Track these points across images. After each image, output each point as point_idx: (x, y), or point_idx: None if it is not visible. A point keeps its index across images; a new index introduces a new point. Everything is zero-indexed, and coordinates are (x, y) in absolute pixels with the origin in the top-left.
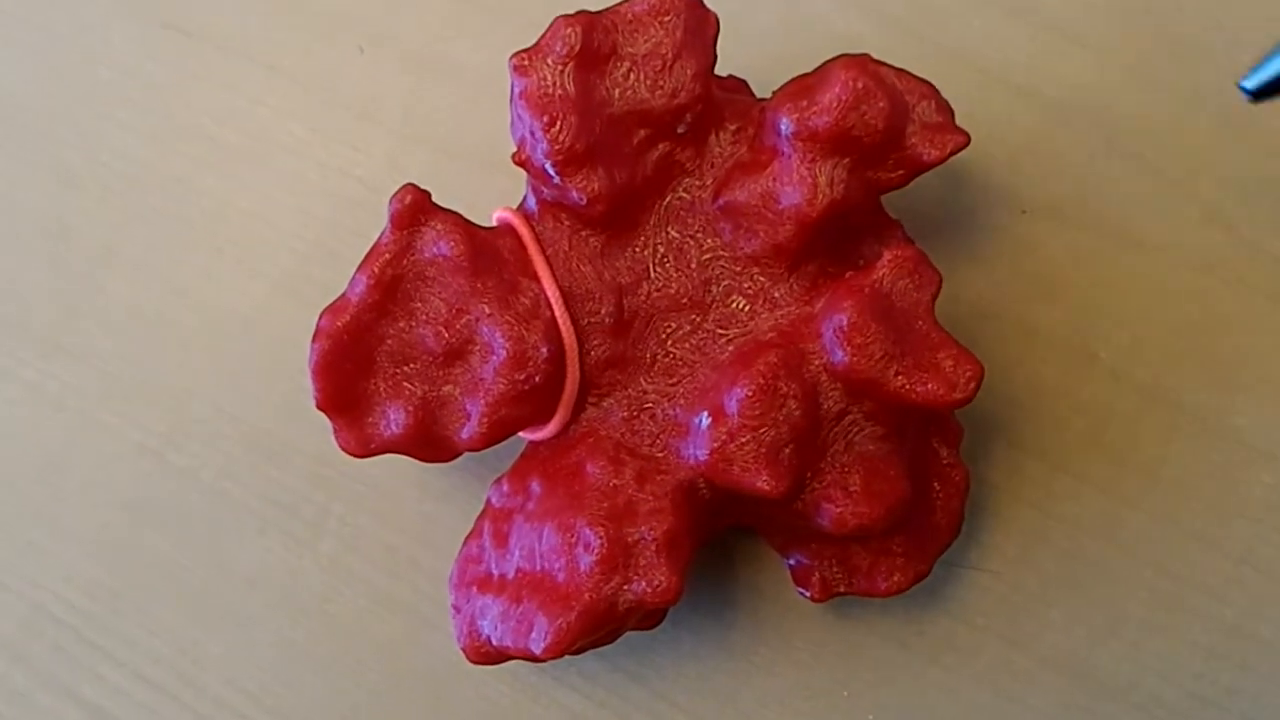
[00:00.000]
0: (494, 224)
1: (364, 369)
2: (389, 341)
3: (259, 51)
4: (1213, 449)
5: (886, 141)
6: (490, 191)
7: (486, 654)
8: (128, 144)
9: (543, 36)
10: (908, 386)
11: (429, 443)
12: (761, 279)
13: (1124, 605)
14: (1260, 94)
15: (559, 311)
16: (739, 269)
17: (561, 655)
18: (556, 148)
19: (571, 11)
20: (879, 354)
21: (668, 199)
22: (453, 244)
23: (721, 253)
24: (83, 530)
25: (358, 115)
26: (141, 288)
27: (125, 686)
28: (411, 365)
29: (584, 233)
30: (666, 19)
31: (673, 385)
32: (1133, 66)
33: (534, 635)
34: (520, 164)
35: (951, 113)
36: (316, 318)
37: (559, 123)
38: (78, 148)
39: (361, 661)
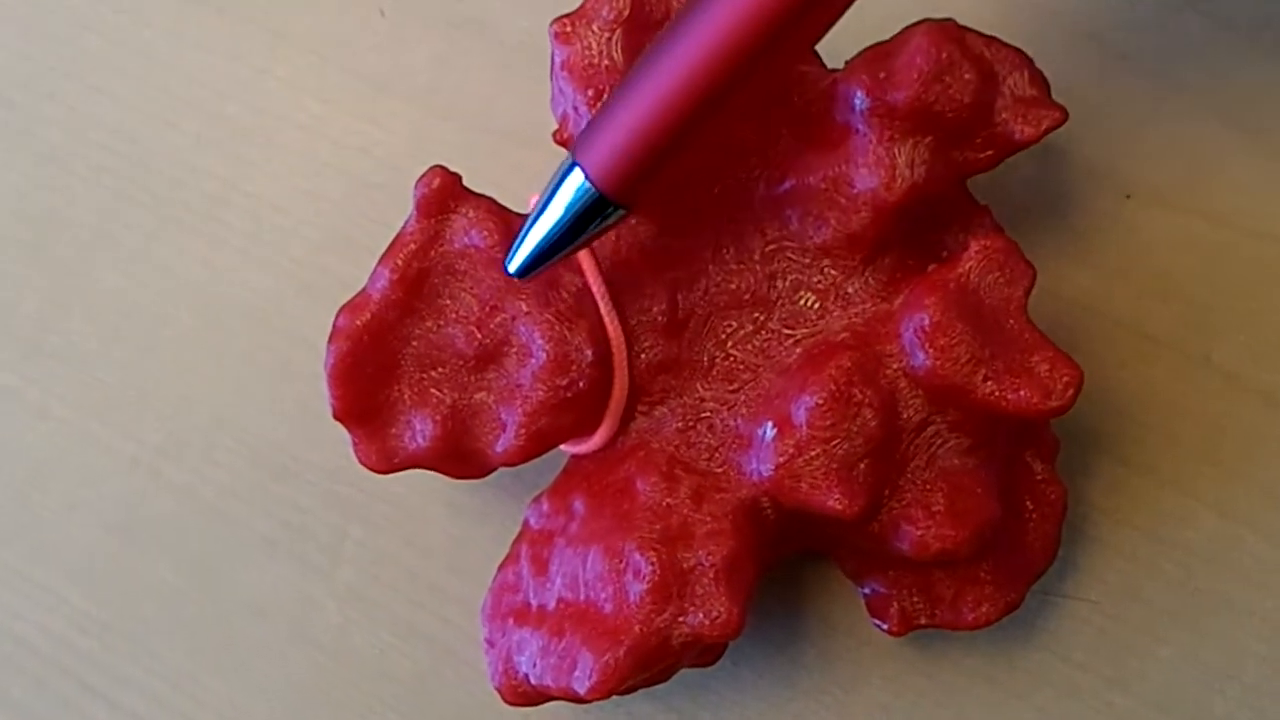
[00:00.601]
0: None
1: (386, 374)
2: (415, 343)
3: (266, 15)
4: None
5: (974, 118)
6: (528, 174)
7: (524, 694)
8: (119, 120)
9: None
10: (997, 393)
11: (459, 456)
12: (833, 272)
13: (1242, 641)
14: (525, 272)
15: (605, 309)
16: (808, 261)
17: (609, 695)
18: None
19: None
20: (965, 357)
21: (728, 182)
22: (486, 233)
23: (788, 243)
24: (68, 555)
25: (378, 87)
26: (134, 281)
27: None
28: (440, 370)
29: (633, 220)
30: None
31: (733, 392)
32: (1254, 31)
33: (578, 673)
34: (562, 144)
35: (1047, 85)
36: (333, 316)
37: (606, 97)
38: (62, 125)
39: (383, 702)
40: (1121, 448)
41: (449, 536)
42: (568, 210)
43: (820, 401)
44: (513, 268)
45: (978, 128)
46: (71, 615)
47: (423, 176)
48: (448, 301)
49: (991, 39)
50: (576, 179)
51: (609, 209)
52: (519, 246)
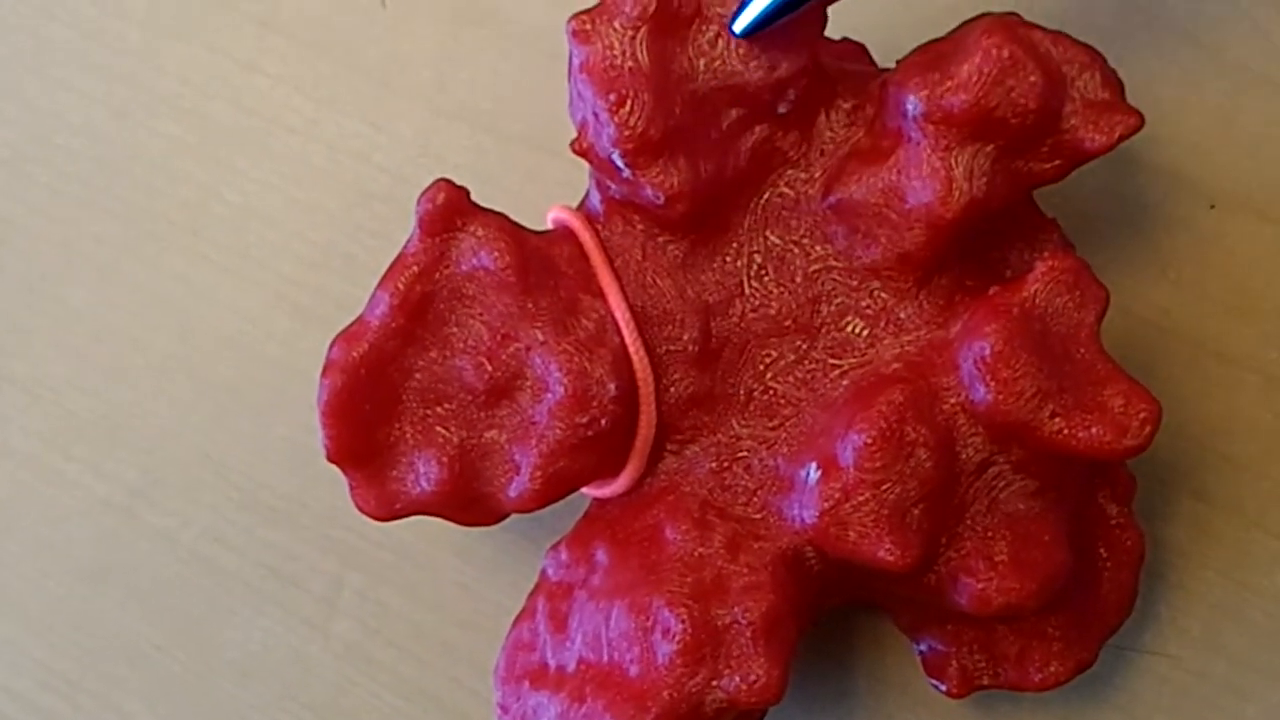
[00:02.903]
0: (549, 227)
1: (387, 410)
2: (418, 376)
3: (254, 3)
4: None
5: (1039, 125)
6: (544, 184)
7: None
8: (89, 121)
9: None
10: (1066, 431)
11: (468, 502)
12: (883, 296)
13: None
14: (750, 31)
15: (630, 337)
16: (855, 283)
17: None
18: (626, 133)
19: None
20: (1030, 391)
21: (766, 196)
22: (497, 254)
23: (833, 263)
24: (31, 606)
25: (379, 85)
26: (104, 301)
27: None
28: (446, 405)
29: (661, 238)
30: None
31: (773, 429)
32: None
33: None
34: (581, 153)
35: (1121, 86)
36: (329, 341)
37: (629, 102)
38: (25, 125)
39: None
40: (1204, 484)
41: (458, 587)
42: None
43: (869, 440)
44: (738, 26)
45: (1044, 135)
46: (36, 672)
47: (426, 191)
48: (455, 330)
49: (1059, 35)
50: None
51: None
52: (748, 2)
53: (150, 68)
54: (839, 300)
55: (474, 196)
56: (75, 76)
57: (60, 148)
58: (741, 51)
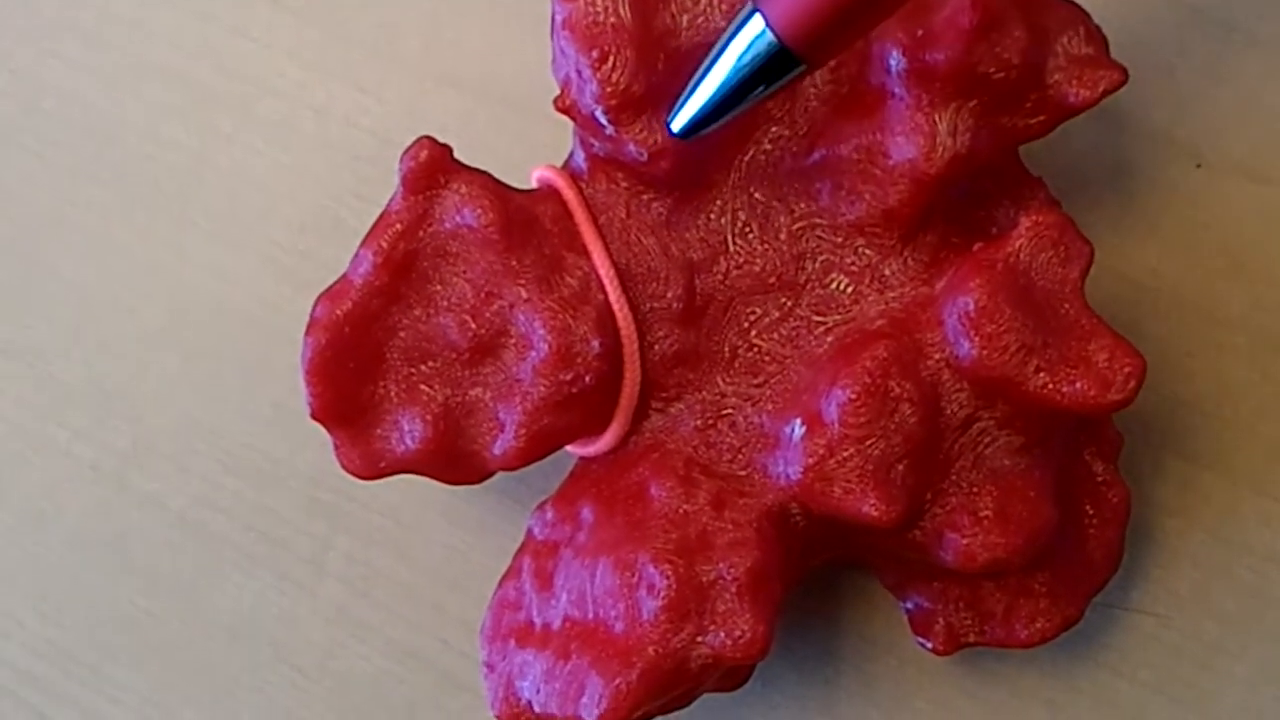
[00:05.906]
0: (533, 186)
1: (371, 369)
2: (402, 334)
3: None
4: None
5: (1023, 80)
6: (532, 144)
7: None
8: (76, 86)
9: None
10: (1051, 386)
11: (453, 460)
12: (868, 253)
13: None
14: (688, 133)
15: (614, 295)
16: (840, 240)
17: None
18: (609, 90)
19: None
20: (1014, 345)
21: (750, 153)
22: (480, 211)
23: (818, 220)
24: (23, 573)
25: (366, 49)
26: (94, 268)
27: None
28: (430, 363)
29: (645, 196)
30: None
31: (757, 386)
32: None
33: (585, 700)
34: (565, 111)
35: (1105, 42)
36: (312, 305)
37: (612, 59)
38: (12, 93)
39: None
40: (1191, 444)
41: (446, 548)
42: (741, 62)
43: (854, 396)
44: (676, 126)
45: (1028, 90)
46: (27, 640)
47: (409, 149)
48: (438, 287)
49: None
50: (755, 27)
51: (788, 65)
52: (684, 103)
53: (138, 34)
54: (823, 257)
55: (461, 159)
56: (63, 44)
57: (49, 115)
58: (725, 8)
